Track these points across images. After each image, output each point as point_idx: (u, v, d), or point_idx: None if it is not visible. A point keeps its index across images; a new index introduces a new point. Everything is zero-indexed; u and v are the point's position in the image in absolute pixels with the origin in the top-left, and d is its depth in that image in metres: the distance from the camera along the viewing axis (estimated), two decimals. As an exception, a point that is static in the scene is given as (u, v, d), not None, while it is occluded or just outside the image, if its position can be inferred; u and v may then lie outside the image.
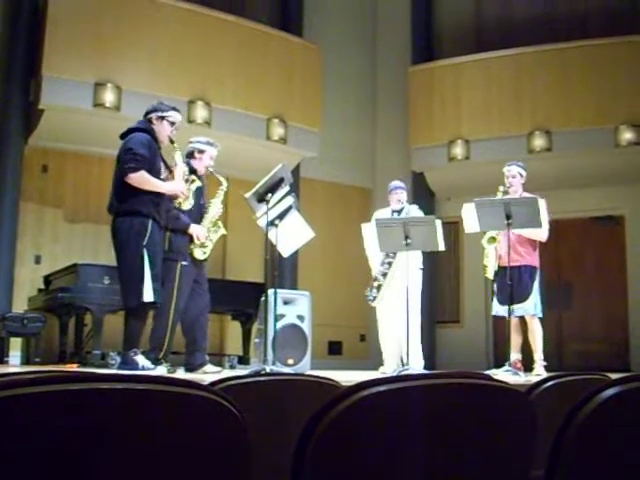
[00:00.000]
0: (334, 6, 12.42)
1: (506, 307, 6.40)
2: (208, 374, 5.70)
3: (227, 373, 6.17)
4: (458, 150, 11.20)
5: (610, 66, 10.42)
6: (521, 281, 6.61)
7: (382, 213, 7.15)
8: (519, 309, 6.60)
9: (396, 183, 7.24)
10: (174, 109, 5.64)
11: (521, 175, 6.79)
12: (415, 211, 7.03)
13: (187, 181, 5.76)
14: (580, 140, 10.35)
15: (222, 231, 6.21)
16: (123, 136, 5.48)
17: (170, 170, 5.61)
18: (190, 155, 6.08)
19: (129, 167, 5.23)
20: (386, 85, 12.68)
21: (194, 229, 5.99)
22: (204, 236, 6.03)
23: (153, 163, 5.36)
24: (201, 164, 6.06)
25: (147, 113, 5.56)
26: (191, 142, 6.17)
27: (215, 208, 6.16)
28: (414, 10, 12.47)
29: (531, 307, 6.64)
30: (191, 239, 6.00)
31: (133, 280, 5.24)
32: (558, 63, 10.75)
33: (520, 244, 6.62)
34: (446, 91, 11.55)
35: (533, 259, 6.71)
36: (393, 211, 7.06)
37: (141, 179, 5.24)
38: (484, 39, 12.08)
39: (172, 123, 5.54)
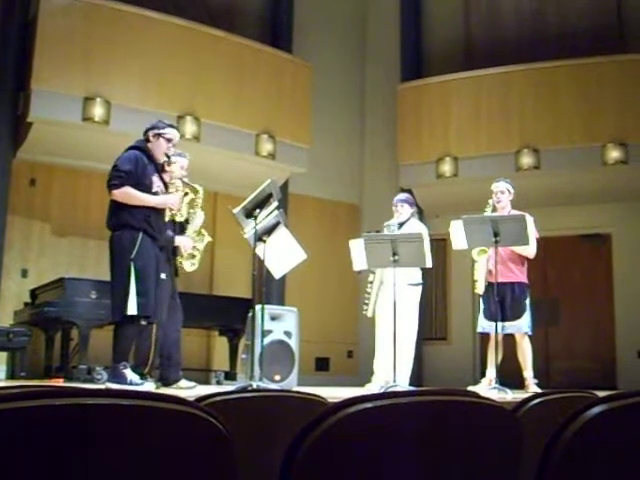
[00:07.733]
0: (324, 23, 12.47)
1: (494, 324, 6.41)
2: (182, 389, 5.73)
3: (214, 389, 6.15)
4: (446, 167, 11.23)
5: (597, 85, 10.50)
6: (515, 299, 6.62)
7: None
8: (511, 327, 6.59)
9: (397, 196, 7.26)
10: (171, 126, 5.77)
11: (509, 191, 6.85)
12: (410, 227, 6.99)
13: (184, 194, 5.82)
14: (568, 158, 10.40)
15: (207, 239, 6.27)
16: None
17: (165, 184, 5.69)
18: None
19: (112, 184, 5.35)
20: (375, 102, 12.73)
21: (180, 240, 6.00)
22: (191, 246, 6.07)
23: (140, 178, 5.43)
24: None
25: (145, 131, 5.67)
26: None
27: (197, 217, 6.20)
28: (403, 28, 12.54)
29: (524, 325, 6.64)
30: (174, 252, 6.01)
31: (119, 293, 5.30)
32: (546, 82, 10.83)
33: (512, 261, 6.62)
34: (435, 109, 11.60)
35: (524, 276, 6.74)
36: (398, 224, 7.05)
37: (124, 194, 5.33)
38: (473, 57, 12.16)
39: (168, 140, 5.64)
